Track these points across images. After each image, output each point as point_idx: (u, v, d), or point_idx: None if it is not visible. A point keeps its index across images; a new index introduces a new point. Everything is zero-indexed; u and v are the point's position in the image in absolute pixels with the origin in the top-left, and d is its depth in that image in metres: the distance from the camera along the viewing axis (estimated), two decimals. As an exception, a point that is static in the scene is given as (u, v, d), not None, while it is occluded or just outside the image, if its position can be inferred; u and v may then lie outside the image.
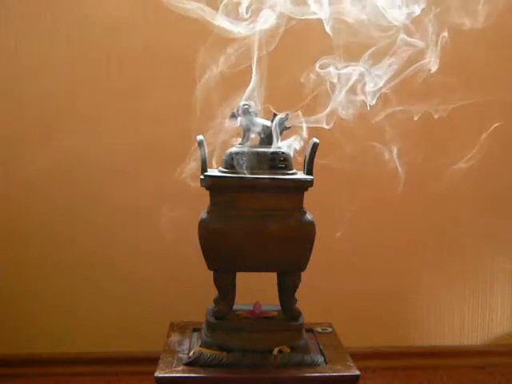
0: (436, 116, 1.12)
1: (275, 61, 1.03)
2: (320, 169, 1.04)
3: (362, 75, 1.00)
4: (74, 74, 1.39)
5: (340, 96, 1.00)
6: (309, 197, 1.04)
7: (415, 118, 1.09)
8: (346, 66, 1.00)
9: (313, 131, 1.03)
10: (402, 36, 0.98)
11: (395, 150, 1.07)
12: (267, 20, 0.98)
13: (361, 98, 1.01)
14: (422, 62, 1.02)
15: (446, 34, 1.01)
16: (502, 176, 1.51)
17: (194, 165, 1.03)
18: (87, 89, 1.40)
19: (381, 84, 1.00)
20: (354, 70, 1.00)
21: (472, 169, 1.44)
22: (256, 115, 1.04)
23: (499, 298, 1.55)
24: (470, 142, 1.26)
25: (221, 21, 0.99)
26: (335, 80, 1.00)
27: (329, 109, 1.01)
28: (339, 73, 1.00)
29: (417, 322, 1.53)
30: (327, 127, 1.02)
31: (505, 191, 1.52)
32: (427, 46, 1.01)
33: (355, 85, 1.01)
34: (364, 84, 1.00)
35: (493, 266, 1.54)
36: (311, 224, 1.02)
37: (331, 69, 1.00)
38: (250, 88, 1.01)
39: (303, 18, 1.00)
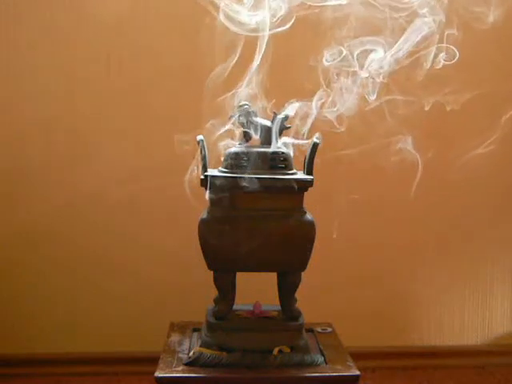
0: (448, 108, 1.10)
1: (283, 52, 1.02)
2: (320, 168, 1.04)
3: (380, 51, 0.97)
4: (74, 73, 1.39)
5: (358, 81, 0.98)
6: (309, 197, 1.04)
7: (426, 109, 1.08)
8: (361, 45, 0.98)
9: (312, 127, 1.03)
10: (421, 13, 0.96)
11: (402, 146, 1.06)
12: (278, 6, 0.97)
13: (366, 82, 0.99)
14: (429, 49, 1.00)
15: (454, 30, 1.00)
16: (506, 172, 1.52)
17: (193, 172, 1.02)
18: (87, 89, 1.40)
19: (394, 64, 0.98)
20: (373, 44, 0.97)
21: (473, 168, 1.44)
22: (255, 115, 1.04)
23: (499, 298, 1.55)
24: (473, 138, 1.26)
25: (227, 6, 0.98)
26: (353, 61, 0.98)
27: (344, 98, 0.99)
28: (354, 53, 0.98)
29: (417, 322, 1.53)
30: (340, 128, 1.01)
31: (507, 189, 1.53)
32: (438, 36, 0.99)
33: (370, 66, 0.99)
34: (379, 64, 0.98)
35: (493, 266, 1.54)
36: (311, 224, 1.01)
37: (345, 51, 0.98)
38: (250, 74, 1.00)
39: (322, 4, 0.98)
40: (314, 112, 1.00)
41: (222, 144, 1.03)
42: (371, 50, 0.98)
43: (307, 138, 1.03)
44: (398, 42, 0.97)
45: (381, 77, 1.00)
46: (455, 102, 1.10)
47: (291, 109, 1.02)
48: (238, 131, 1.05)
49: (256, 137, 1.05)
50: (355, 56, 0.99)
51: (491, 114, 1.34)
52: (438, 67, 1.02)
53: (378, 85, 1.00)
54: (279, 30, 0.99)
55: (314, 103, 1.00)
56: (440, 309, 1.54)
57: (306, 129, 1.02)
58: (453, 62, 1.01)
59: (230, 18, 0.99)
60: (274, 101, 1.04)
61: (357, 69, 0.99)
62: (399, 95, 1.05)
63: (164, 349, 1.06)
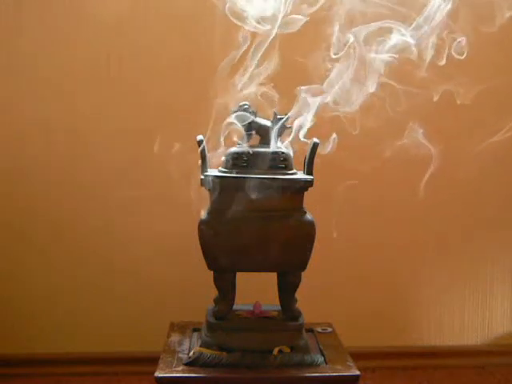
0: (459, 101, 1.09)
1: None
2: (320, 168, 1.04)
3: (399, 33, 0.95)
4: (74, 73, 1.39)
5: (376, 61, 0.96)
6: (309, 197, 1.04)
7: (435, 99, 1.06)
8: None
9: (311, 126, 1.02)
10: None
11: (413, 139, 1.05)
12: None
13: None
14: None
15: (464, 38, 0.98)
16: (506, 173, 1.51)
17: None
18: (87, 89, 1.40)
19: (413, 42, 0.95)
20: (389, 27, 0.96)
21: (473, 168, 1.44)
22: (256, 115, 1.04)
23: (499, 298, 1.55)
24: (475, 138, 1.25)
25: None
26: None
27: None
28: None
29: (417, 322, 1.53)
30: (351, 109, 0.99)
31: (507, 189, 1.52)
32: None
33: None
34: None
35: (493, 266, 1.54)
36: (311, 224, 1.01)
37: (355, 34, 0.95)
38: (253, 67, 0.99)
39: None
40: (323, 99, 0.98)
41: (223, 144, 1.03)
42: (389, 34, 0.96)
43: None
44: (417, 22, 0.95)
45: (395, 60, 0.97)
46: (466, 96, 1.08)
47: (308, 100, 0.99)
48: (238, 131, 1.05)
49: (256, 137, 1.05)
50: (362, 41, 0.97)
51: (496, 112, 1.34)
52: (442, 63, 1.00)
53: (385, 71, 0.98)
54: (294, 22, 0.99)
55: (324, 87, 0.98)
56: (440, 309, 1.53)
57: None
58: (463, 56, 0.99)
59: (239, 12, 0.98)
60: (272, 85, 1.03)
61: (373, 53, 0.97)
62: (407, 87, 1.03)
63: (164, 349, 1.06)
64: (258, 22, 0.98)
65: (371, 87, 0.98)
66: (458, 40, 0.98)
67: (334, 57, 0.99)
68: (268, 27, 0.98)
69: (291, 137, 1.02)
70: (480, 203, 1.51)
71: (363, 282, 1.48)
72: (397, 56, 0.97)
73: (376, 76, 0.98)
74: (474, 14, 1.00)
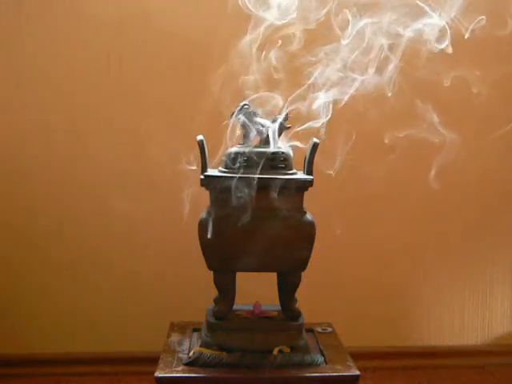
0: (475, 91, 1.07)
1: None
2: (320, 168, 1.04)
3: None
4: (74, 73, 1.39)
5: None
6: (309, 197, 1.04)
7: (446, 84, 1.04)
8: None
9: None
10: None
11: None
12: None
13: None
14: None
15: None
16: (507, 173, 1.52)
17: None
18: (87, 89, 1.40)
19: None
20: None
21: (474, 167, 1.44)
22: (256, 115, 1.04)
23: (499, 298, 1.55)
24: (477, 135, 1.23)
25: None
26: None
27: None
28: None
29: (417, 322, 1.53)
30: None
31: (507, 190, 1.52)
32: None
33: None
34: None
35: (493, 265, 1.54)
36: (311, 224, 1.01)
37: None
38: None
39: None
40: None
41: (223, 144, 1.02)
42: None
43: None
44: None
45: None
46: (480, 85, 1.06)
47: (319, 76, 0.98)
48: (239, 131, 1.05)
49: (256, 137, 1.05)
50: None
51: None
52: (450, 50, 0.97)
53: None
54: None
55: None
56: (440, 309, 1.53)
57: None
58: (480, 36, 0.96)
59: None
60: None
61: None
62: (417, 73, 1.02)
63: (164, 349, 1.06)
64: (275, 15, 0.98)
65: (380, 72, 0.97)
66: (479, 18, 0.95)
67: (344, 42, 0.97)
68: (285, 20, 0.98)
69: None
70: (480, 203, 1.51)
71: (363, 281, 1.48)
72: (421, 25, 0.95)
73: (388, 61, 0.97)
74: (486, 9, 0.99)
